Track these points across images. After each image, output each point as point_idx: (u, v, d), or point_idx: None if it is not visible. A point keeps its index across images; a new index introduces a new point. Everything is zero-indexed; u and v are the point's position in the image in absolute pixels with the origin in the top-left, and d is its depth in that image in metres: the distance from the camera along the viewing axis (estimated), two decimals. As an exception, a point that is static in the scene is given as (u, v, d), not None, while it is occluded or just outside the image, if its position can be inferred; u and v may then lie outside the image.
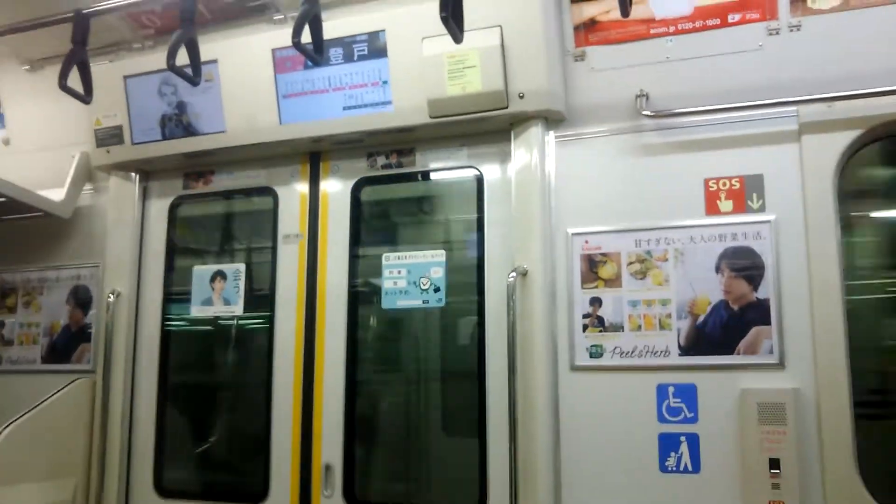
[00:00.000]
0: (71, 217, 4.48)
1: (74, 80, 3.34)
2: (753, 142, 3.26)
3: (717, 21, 3.34)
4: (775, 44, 3.27)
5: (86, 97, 3.37)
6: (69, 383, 4.17)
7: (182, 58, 3.16)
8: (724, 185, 3.29)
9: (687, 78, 3.39)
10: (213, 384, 4.43)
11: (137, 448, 4.18)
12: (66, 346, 4.46)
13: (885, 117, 3.07)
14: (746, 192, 3.25)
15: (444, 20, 2.60)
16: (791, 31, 3.25)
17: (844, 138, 3.12)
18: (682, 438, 3.19)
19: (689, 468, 3.17)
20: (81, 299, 4.48)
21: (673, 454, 3.20)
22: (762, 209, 3.22)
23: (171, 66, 3.02)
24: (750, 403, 3.08)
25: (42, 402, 4.00)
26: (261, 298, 4.10)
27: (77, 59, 3.28)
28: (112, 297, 4.19)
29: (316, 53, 2.94)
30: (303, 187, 4.08)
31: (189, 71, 3.28)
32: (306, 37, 2.93)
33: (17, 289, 4.66)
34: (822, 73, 3.18)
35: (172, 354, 4.28)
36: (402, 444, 4.05)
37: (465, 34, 2.83)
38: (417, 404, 4.09)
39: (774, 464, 3.01)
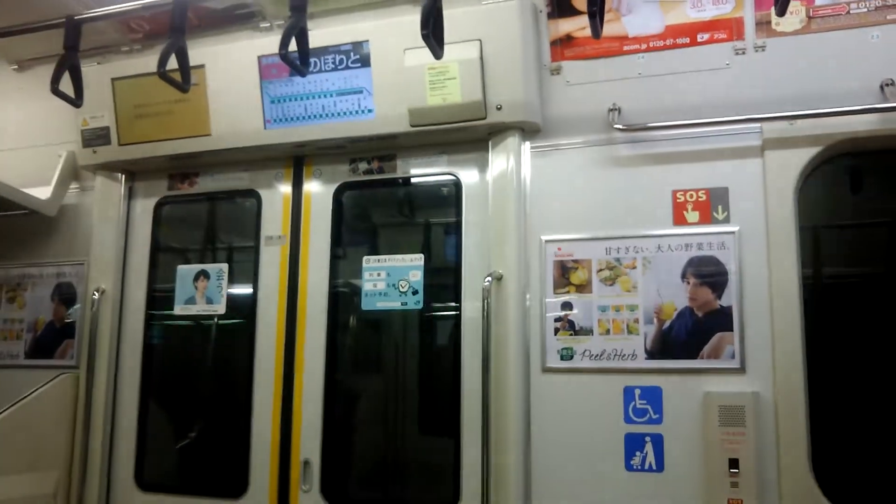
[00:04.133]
0: (56, 215, 4.54)
1: (65, 84, 3.43)
2: (719, 156, 3.41)
3: (687, 40, 3.48)
4: (741, 63, 3.42)
5: (77, 101, 3.45)
6: (53, 378, 4.24)
7: (171, 63, 3.25)
8: (691, 196, 3.43)
9: (657, 93, 3.52)
10: (194, 381, 4.50)
11: (119, 442, 4.25)
12: (49, 341, 4.53)
13: (843, 135, 3.22)
14: (712, 204, 3.39)
15: (425, 37, 2.71)
16: (756, 51, 3.39)
17: (805, 154, 3.27)
18: (647, 438, 3.33)
19: (654, 467, 3.31)
20: (65, 296, 4.55)
21: (638, 453, 3.33)
22: (727, 220, 3.37)
23: (162, 74, 3.11)
24: (712, 406, 3.22)
25: (26, 396, 4.07)
26: (243, 298, 4.19)
27: (69, 63, 3.35)
28: (97, 295, 4.26)
29: (302, 65, 3.04)
30: (286, 190, 4.18)
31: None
32: (293, 47, 3.04)
33: (0, 285, 4.72)
34: (785, 92, 3.32)
35: (155, 351, 4.36)
36: (379, 440, 4.15)
37: (446, 47, 2.93)
38: (395, 402, 4.20)
39: (734, 463, 3.15)
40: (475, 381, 3.55)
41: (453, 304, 3.77)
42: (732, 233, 3.34)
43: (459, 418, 3.64)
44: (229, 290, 4.22)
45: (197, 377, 4.49)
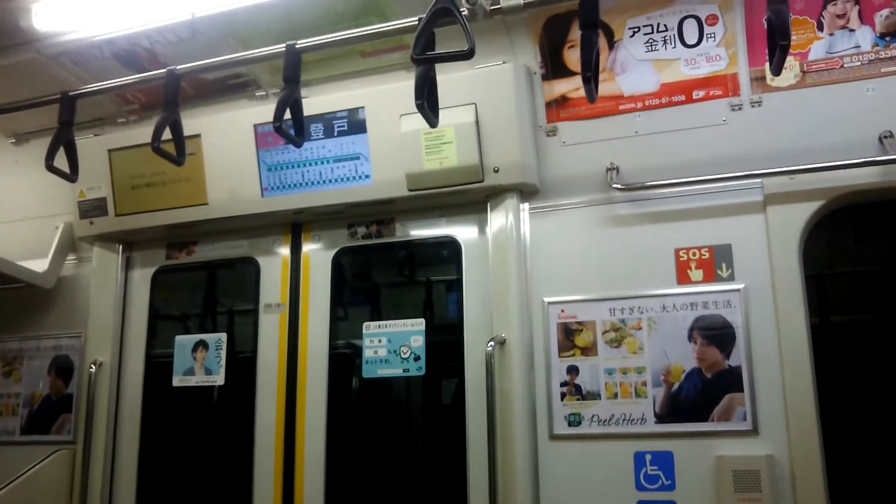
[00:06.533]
0: (54, 287, 4.50)
1: (60, 158, 3.42)
2: (721, 213, 3.37)
3: (683, 97, 3.47)
4: (738, 119, 3.40)
5: (71, 176, 3.43)
6: (49, 455, 4.15)
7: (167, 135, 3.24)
8: (694, 254, 3.38)
9: (655, 151, 3.50)
10: (194, 451, 4.40)
11: (117, 520, 4.15)
12: (46, 416, 4.44)
13: (844, 188, 3.19)
14: (716, 262, 3.34)
15: (420, 107, 2.69)
16: (753, 106, 3.38)
17: (807, 209, 3.23)
18: (661, 506, 3.24)
19: (669, 536, 3.21)
20: (62, 369, 4.48)
21: (652, 522, 3.23)
22: (731, 278, 3.31)
23: (156, 148, 3.10)
24: (725, 471, 3.12)
25: (22, 474, 3.99)
26: (243, 367, 4.12)
27: (63, 139, 3.35)
28: (94, 368, 4.19)
29: (297, 135, 3.03)
30: (284, 256, 4.15)
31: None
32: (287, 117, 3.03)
33: (-3, 359, 4.66)
34: (784, 147, 3.30)
35: (154, 423, 4.27)
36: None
37: (441, 111, 2.90)
38: (399, 470, 4.10)
39: (751, 531, 3.05)
40: (481, 449, 3.44)
41: (456, 368, 3.69)
42: (738, 290, 3.28)
43: (466, 487, 3.54)
44: (229, 359, 4.15)
45: (197, 448, 4.39)
